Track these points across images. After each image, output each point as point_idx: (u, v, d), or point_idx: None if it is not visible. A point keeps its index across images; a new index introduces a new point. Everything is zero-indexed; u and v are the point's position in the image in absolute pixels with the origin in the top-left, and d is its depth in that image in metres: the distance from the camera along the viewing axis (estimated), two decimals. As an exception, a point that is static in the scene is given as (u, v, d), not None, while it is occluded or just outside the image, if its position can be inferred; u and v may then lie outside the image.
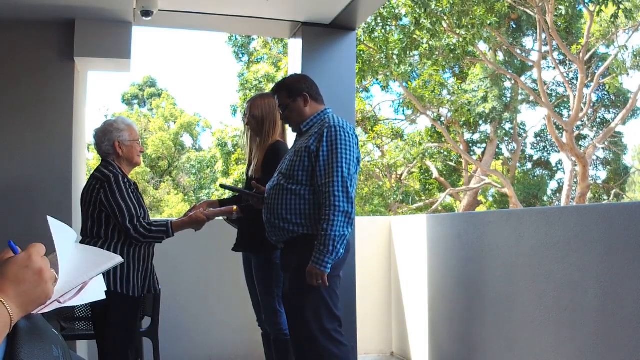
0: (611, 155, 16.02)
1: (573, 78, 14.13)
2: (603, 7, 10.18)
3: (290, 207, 2.41)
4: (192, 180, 19.54)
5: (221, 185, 3.03)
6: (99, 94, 37.32)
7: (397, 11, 10.24)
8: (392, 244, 4.20)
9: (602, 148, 15.29)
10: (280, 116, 2.65)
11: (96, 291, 1.02)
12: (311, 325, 2.34)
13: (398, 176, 15.18)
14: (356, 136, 2.47)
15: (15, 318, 0.84)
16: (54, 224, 0.98)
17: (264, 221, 2.55)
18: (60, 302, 0.94)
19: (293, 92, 2.54)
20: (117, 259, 1.03)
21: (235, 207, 2.80)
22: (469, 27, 10.34)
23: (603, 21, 12.12)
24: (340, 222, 2.30)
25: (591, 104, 13.88)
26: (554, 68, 14.14)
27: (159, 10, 3.38)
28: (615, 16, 10.24)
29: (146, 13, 3.33)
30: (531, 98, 14.02)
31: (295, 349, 2.47)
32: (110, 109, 28.95)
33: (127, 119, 2.74)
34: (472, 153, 15.61)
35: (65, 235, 1.00)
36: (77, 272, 0.96)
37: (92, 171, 2.64)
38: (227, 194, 13.33)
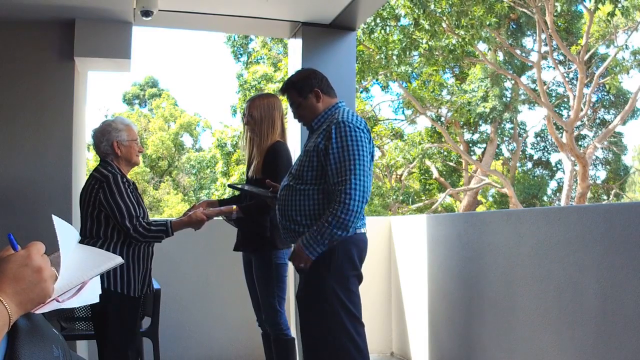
0: (611, 155, 16.04)
1: (573, 78, 14.14)
2: (600, 5, 10.18)
3: (300, 209, 2.35)
4: (192, 180, 19.55)
5: (229, 185, 2.99)
6: (99, 94, 37.34)
7: (396, 12, 10.25)
8: (392, 244, 4.20)
9: (602, 148, 15.30)
10: (294, 115, 2.55)
11: (92, 293, 1.02)
12: (331, 326, 2.28)
13: (398, 176, 15.19)
14: (368, 130, 2.36)
15: (14, 316, 0.83)
16: (59, 223, 0.98)
17: (277, 223, 2.51)
18: (59, 302, 0.93)
19: (304, 89, 2.45)
20: (117, 260, 1.03)
21: (234, 207, 2.79)
22: (468, 27, 10.35)
23: (602, 21, 12.13)
24: (349, 220, 2.24)
25: (591, 104, 13.90)
26: (554, 68, 14.16)
27: (159, 10, 3.38)
28: (612, 14, 10.23)
29: (146, 13, 3.33)
30: (531, 98, 14.02)
31: (309, 351, 2.39)
32: (110, 109, 28.99)
33: (125, 119, 2.74)
34: (472, 153, 15.62)
35: (68, 235, 1.00)
36: (77, 271, 0.96)
37: (91, 171, 2.64)
38: (228, 194, 13.33)
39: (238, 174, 14.10)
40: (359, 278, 2.42)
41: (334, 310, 2.29)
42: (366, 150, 2.28)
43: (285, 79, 2.75)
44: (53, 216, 0.98)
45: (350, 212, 2.22)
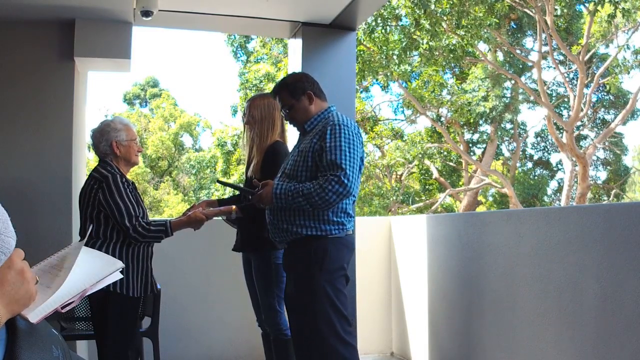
0: (611, 156, 16.03)
1: (573, 78, 14.14)
2: (600, 7, 10.19)
3: (293, 208, 2.36)
4: (192, 180, 19.54)
5: (218, 181, 3.01)
6: (99, 94, 37.30)
7: (397, 12, 10.25)
8: (392, 244, 4.20)
9: (602, 148, 15.30)
10: (285, 117, 2.59)
11: (112, 276, 1.04)
12: (320, 326, 2.30)
13: (398, 176, 15.18)
14: (360, 135, 2.43)
15: (4, 318, 0.86)
16: (86, 256, 1.00)
17: (267, 222, 2.53)
18: (61, 311, 0.95)
19: (297, 92, 2.49)
20: (118, 265, 1.04)
21: (234, 207, 2.79)
22: (469, 27, 10.35)
23: (603, 21, 12.13)
24: (331, 200, 2.26)
25: (591, 104, 13.89)
26: (554, 68, 14.16)
27: (159, 10, 3.38)
28: (612, 16, 10.25)
29: (146, 13, 3.33)
30: (531, 98, 14.02)
31: (300, 349, 2.42)
32: (110, 109, 28.96)
33: (124, 119, 2.74)
34: (472, 153, 15.62)
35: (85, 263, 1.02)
36: (76, 280, 0.97)
37: (91, 171, 2.64)
38: (227, 194, 13.33)
39: (238, 173, 14.10)
40: (347, 278, 2.45)
41: (324, 309, 2.32)
42: (357, 152, 2.35)
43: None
44: (83, 247, 1.00)
45: (344, 189, 2.26)
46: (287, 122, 2.63)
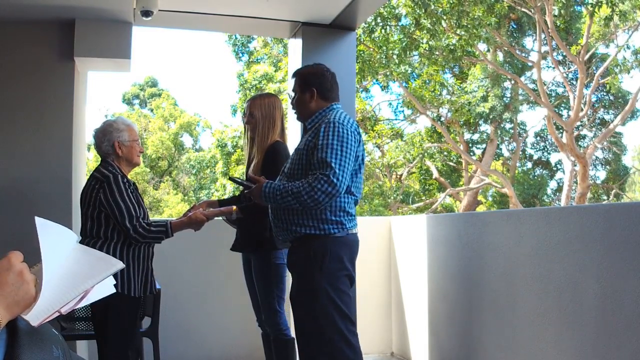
0: (611, 156, 16.03)
1: (573, 78, 14.14)
2: (597, 10, 10.21)
3: (293, 207, 2.36)
4: (192, 180, 19.54)
5: (230, 178, 3.01)
6: (99, 94, 37.29)
7: (397, 11, 10.25)
8: (392, 244, 4.20)
9: (602, 148, 15.30)
10: (290, 101, 2.62)
11: (105, 288, 1.03)
12: (323, 326, 2.29)
13: (398, 176, 15.18)
14: (358, 133, 2.40)
15: (4, 320, 0.86)
16: (43, 226, 0.97)
17: (270, 220, 2.54)
18: (61, 313, 0.94)
19: (304, 84, 2.52)
20: (119, 265, 1.03)
21: (234, 208, 2.79)
22: (468, 27, 10.35)
23: (601, 21, 12.14)
24: (320, 199, 2.23)
25: (591, 104, 13.89)
26: (554, 68, 14.15)
27: (159, 10, 3.38)
28: (609, 18, 10.27)
29: (146, 13, 3.33)
30: (531, 98, 14.02)
31: (304, 350, 2.41)
32: (110, 109, 28.98)
33: (126, 119, 2.74)
34: (472, 153, 15.62)
35: (56, 238, 1.00)
36: (76, 281, 0.96)
37: (92, 171, 2.64)
38: (228, 194, 13.33)
39: (238, 174, 14.09)
40: (350, 278, 2.43)
41: (326, 310, 2.30)
42: (351, 150, 2.32)
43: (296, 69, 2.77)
44: (36, 218, 0.97)
45: (333, 189, 2.23)
46: (292, 108, 2.63)
